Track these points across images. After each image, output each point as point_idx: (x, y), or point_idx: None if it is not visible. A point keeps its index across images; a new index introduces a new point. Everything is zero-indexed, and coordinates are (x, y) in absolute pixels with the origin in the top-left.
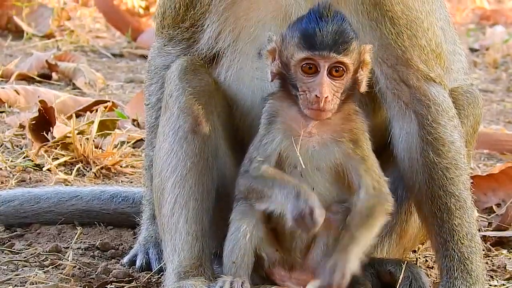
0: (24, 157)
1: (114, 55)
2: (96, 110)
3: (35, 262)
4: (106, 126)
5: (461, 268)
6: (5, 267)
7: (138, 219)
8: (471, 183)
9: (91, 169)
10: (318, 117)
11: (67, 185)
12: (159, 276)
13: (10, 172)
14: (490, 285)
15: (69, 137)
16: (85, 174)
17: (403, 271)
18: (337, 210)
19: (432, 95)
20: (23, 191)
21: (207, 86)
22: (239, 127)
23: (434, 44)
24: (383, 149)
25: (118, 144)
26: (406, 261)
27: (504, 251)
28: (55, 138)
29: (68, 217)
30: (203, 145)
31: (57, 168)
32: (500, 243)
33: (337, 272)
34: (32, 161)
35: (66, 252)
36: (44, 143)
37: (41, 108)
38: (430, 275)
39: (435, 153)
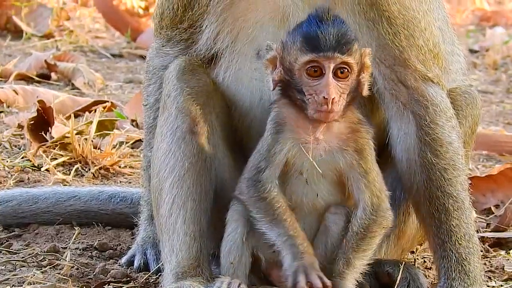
0: (22, 157)
1: (113, 55)
2: (95, 111)
3: (33, 262)
4: (104, 127)
5: (459, 269)
6: (3, 267)
7: (136, 220)
8: (470, 184)
9: (89, 169)
10: (327, 119)
11: (65, 185)
12: (157, 276)
13: (9, 172)
14: (488, 286)
15: (67, 137)
16: (83, 175)
17: (401, 272)
18: (335, 211)
19: (430, 95)
20: (21, 191)
21: (206, 87)
22: (238, 127)
23: (432, 44)
24: (381, 150)
25: (116, 144)
26: (404, 262)
27: (502, 252)
28: (53, 138)
29: (66, 218)
30: (201, 145)
31: (55, 168)
32: (498, 244)
33: None
34: (31, 161)
35: (64, 252)
36: (43, 143)
37: (40, 108)
38: (428, 276)
39: (433, 154)
